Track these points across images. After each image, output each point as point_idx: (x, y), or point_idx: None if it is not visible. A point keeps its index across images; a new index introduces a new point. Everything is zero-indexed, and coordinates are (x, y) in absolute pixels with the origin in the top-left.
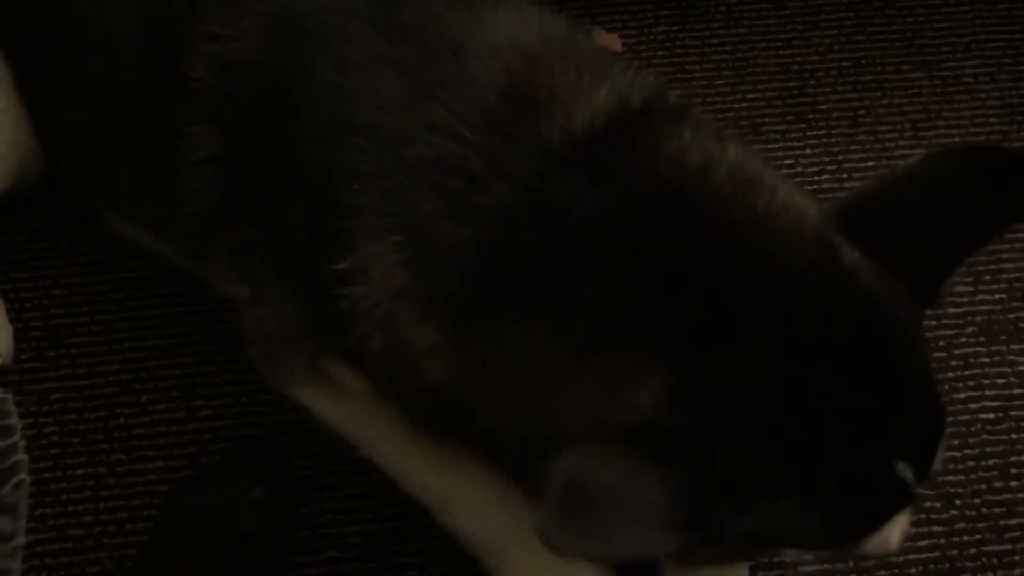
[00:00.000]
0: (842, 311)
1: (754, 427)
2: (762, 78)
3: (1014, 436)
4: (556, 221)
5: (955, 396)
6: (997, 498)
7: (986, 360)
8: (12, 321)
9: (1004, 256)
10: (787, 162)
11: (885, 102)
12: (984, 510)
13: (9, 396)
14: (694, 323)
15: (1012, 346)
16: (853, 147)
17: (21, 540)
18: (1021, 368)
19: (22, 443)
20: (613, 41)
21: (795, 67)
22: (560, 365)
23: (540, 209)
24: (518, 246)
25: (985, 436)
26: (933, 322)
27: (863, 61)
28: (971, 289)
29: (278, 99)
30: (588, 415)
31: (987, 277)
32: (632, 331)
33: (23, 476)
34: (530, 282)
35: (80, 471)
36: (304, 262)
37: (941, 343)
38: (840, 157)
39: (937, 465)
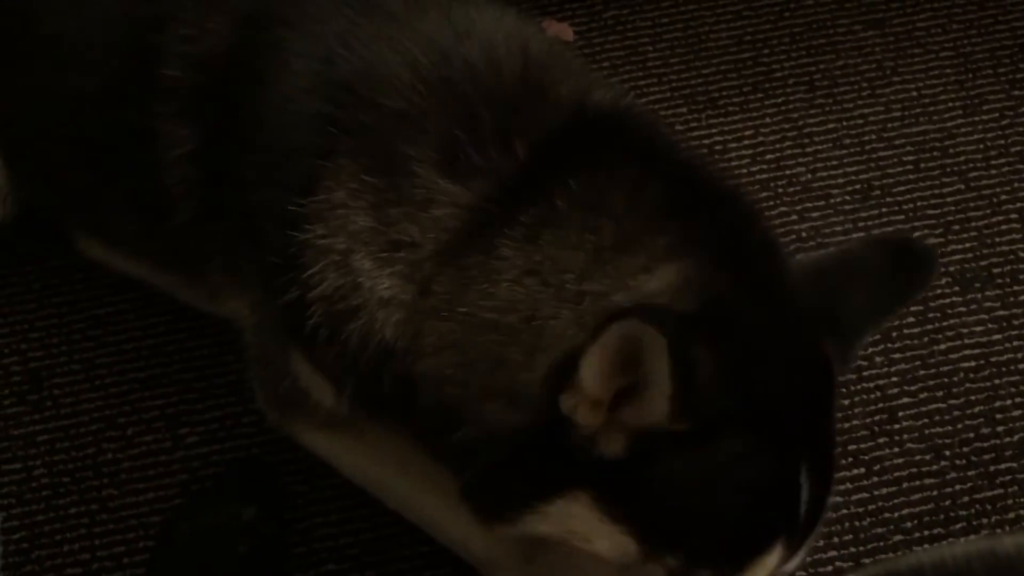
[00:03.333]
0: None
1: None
2: (716, 52)
3: (996, 382)
4: (579, 180)
5: (935, 348)
6: (985, 445)
7: (963, 309)
8: None
9: (971, 205)
10: (747, 132)
11: (840, 64)
12: (973, 458)
13: None
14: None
15: (987, 292)
16: (812, 111)
17: None
18: (998, 314)
19: None
20: (564, 30)
21: (747, 38)
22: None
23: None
24: (519, 211)
25: (968, 385)
26: None
27: (814, 25)
28: (942, 240)
29: (247, 78)
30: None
31: (956, 227)
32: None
33: None
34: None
35: (73, 510)
36: (269, 213)
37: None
38: (800, 123)
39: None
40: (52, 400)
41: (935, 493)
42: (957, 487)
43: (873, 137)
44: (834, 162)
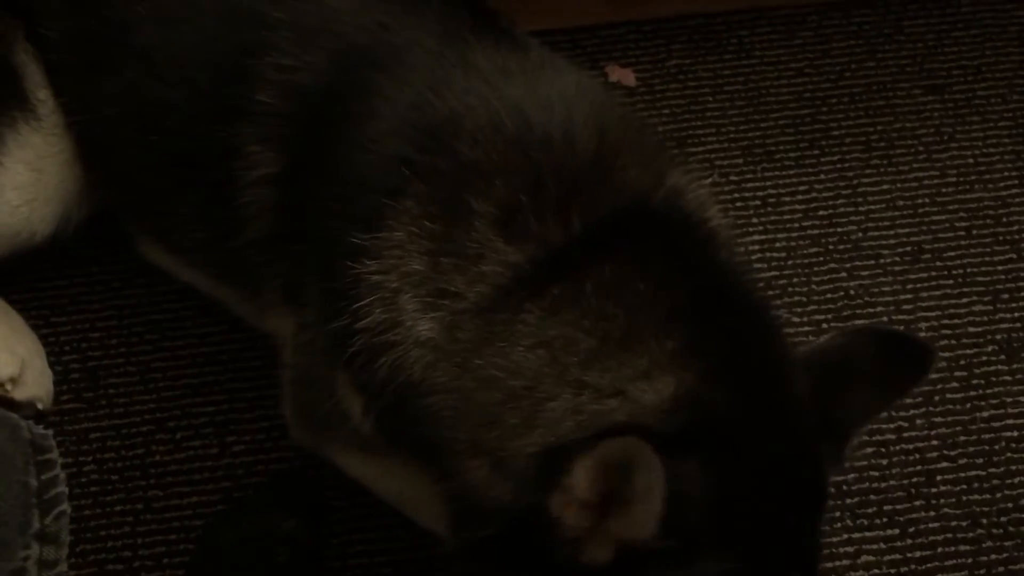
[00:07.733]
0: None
1: None
2: (775, 107)
3: None
4: (618, 270)
5: (978, 415)
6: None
7: (1008, 378)
8: (52, 364)
9: (1022, 275)
10: (801, 188)
11: (898, 126)
12: (1011, 528)
13: (50, 432)
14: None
15: None
16: (867, 171)
17: (63, 568)
18: None
19: (63, 476)
20: (626, 76)
21: (807, 95)
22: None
23: (595, 254)
24: (563, 282)
25: (1009, 454)
26: (953, 342)
27: (874, 87)
28: (990, 308)
29: (338, 115)
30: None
31: (1005, 296)
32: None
33: (64, 507)
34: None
35: (118, 507)
36: (336, 243)
37: (962, 363)
38: (855, 182)
39: None
40: (107, 399)
41: (970, 560)
42: (993, 556)
43: (927, 200)
44: (886, 223)
